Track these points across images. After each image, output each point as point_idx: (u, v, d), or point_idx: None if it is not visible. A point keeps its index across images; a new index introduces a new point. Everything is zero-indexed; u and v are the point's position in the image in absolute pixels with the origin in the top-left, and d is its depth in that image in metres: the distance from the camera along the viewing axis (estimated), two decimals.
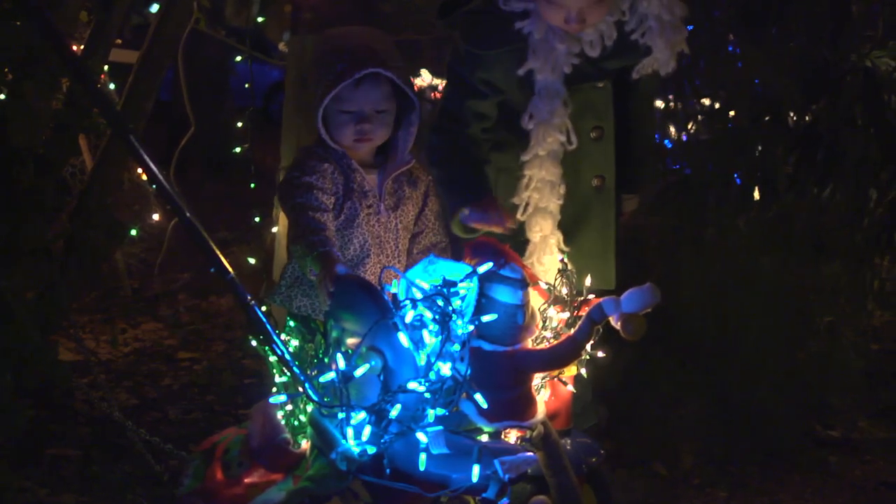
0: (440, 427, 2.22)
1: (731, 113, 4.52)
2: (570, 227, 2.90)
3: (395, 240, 2.76)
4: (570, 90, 2.80)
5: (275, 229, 3.10)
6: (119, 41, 4.48)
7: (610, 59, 2.84)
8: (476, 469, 2.18)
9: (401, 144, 2.80)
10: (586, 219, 2.95)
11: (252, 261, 4.74)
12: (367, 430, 2.20)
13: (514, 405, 2.44)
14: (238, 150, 5.60)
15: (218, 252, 2.49)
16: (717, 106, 4.64)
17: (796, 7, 4.18)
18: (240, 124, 5.61)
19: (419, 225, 2.83)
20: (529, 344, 2.48)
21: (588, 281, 2.65)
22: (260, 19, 8.24)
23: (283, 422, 2.45)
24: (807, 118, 4.43)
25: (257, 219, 5.36)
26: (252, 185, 5.33)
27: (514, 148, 2.85)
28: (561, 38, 2.73)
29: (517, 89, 2.81)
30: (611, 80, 2.92)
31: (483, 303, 2.37)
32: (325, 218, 2.59)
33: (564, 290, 2.60)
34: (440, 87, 8.14)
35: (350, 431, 2.20)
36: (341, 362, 2.20)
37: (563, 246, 2.85)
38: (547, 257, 2.84)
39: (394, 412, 2.19)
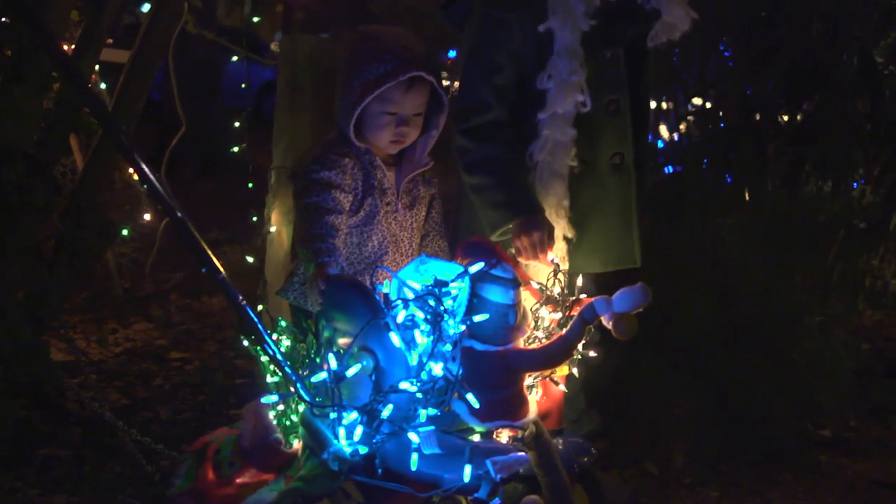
0: (432, 427, 2.22)
1: (721, 112, 4.54)
2: (589, 206, 2.91)
3: (409, 238, 2.77)
4: (586, 57, 2.82)
5: (273, 229, 3.08)
6: (110, 41, 4.47)
7: (622, 23, 2.85)
8: (468, 469, 2.18)
9: (421, 146, 2.80)
10: (606, 198, 2.94)
11: (250, 259, 4.73)
12: (359, 430, 2.20)
13: (505, 405, 2.44)
14: (236, 149, 5.60)
15: (209, 252, 2.49)
16: (707, 105, 4.66)
17: (785, 9, 4.21)
18: (237, 124, 5.61)
19: (426, 227, 2.84)
20: (521, 344, 2.49)
21: (580, 281, 2.65)
22: (256, 19, 8.25)
23: (274, 422, 2.44)
24: (798, 117, 4.45)
25: (255, 218, 5.36)
26: (250, 185, 5.33)
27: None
28: None
29: (535, 56, 2.81)
30: (622, 50, 2.90)
31: (475, 303, 2.37)
32: (338, 221, 2.56)
33: (556, 290, 2.60)
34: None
35: (342, 431, 2.20)
36: (333, 362, 2.20)
37: (568, 228, 2.86)
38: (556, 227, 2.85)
39: (385, 412, 2.19)
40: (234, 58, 5.33)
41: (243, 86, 5.57)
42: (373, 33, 2.70)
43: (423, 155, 2.80)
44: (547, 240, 2.74)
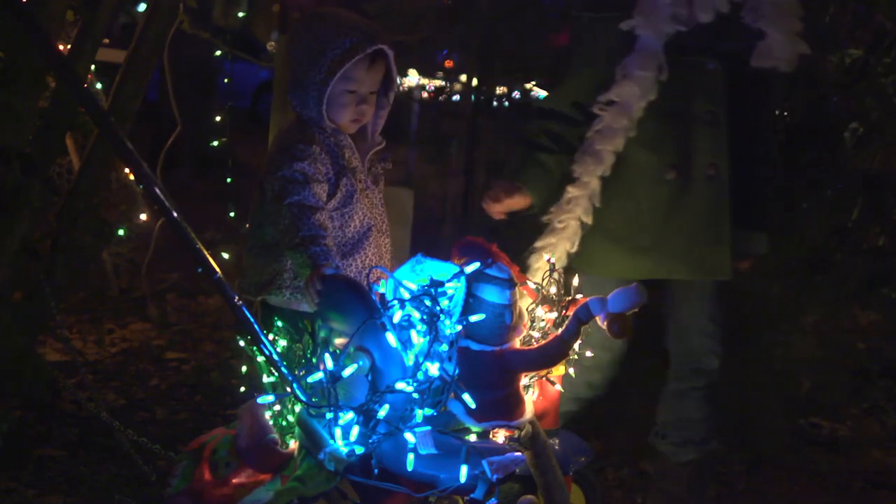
0: (428, 427, 2.22)
1: None
2: (678, 213, 2.93)
3: (381, 215, 2.78)
4: (675, 62, 2.86)
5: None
6: (106, 41, 4.46)
7: (720, 37, 2.88)
8: (464, 469, 2.18)
9: (372, 125, 2.79)
10: (697, 207, 2.95)
11: (226, 255, 4.72)
12: (356, 431, 2.20)
13: (502, 405, 2.44)
14: (216, 143, 5.61)
15: (205, 252, 2.48)
16: None
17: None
18: (218, 119, 5.62)
19: None
20: (517, 344, 2.49)
21: (576, 281, 2.66)
22: (241, 14, 8.25)
23: (271, 422, 2.44)
24: (786, 117, 4.46)
25: (232, 214, 5.37)
26: (229, 180, 5.33)
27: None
28: None
29: (617, 60, 2.88)
30: (723, 64, 2.92)
31: (471, 303, 2.37)
32: (324, 217, 2.55)
33: (552, 290, 2.60)
34: (428, 87, 8.16)
35: (338, 431, 2.20)
36: (329, 362, 2.20)
37: (587, 212, 2.95)
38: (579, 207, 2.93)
39: (382, 412, 2.19)
40: (217, 52, 5.32)
41: (226, 80, 5.56)
42: (330, 13, 2.69)
43: (376, 134, 2.80)
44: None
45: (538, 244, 3.03)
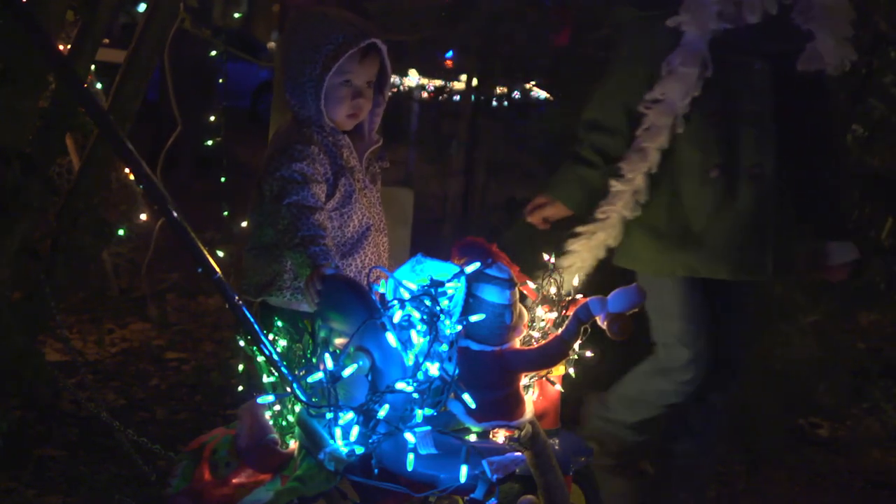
0: (428, 427, 2.22)
1: None
2: (721, 213, 2.92)
3: (379, 214, 2.78)
4: (721, 60, 2.85)
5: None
6: (106, 41, 4.47)
7: (767, 38, 2.87)
8: (464, 469, 2.18)
9: (368, 124, 2.79)
10: (740, 207, 2.93)
11: (221, 254, 4.71)
12: (356, 431, 2.20)
13: (502, 405, 2.44)
14: (210, 142, 5.61)
15: (205, 252, 2.48)
16: None
17: None
18: (212, 118, 5.63)
19: None
20: (517, 344, 2.49)
21: (575, 280, 2.66)
22: (237, 15, 8.25)
23: (271, 422, 2.44)
24: None
25: (227, 213, 5.38)
26: (223, 179, 5.33)
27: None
28: None
29: (662, 58, 2.89)
30: (770, 65, 2.91)
31: (471, 302, 2.37)
32: (323, 217, 2.55)
33: (552, 290, 2.60)
34: (428, 87, 8.16)
35: (338, 431, 2.20)
36: (329, 362, 2.19)
37: (628, 207, 2.98)
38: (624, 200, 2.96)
39: (382, 412, 2.19)
40: (213, 52, 5.33)
41: (220, 80, 5.56)
42: (320, 11, 2.71)
43: (373, 133, 2.81)
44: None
45: (580, 229, 3.05)
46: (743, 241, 2.95)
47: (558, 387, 2.63)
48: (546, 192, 3.09)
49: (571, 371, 2.62)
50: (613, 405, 3.18)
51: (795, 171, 3.02)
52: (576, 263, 3.05)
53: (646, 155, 2.94)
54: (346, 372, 2.19)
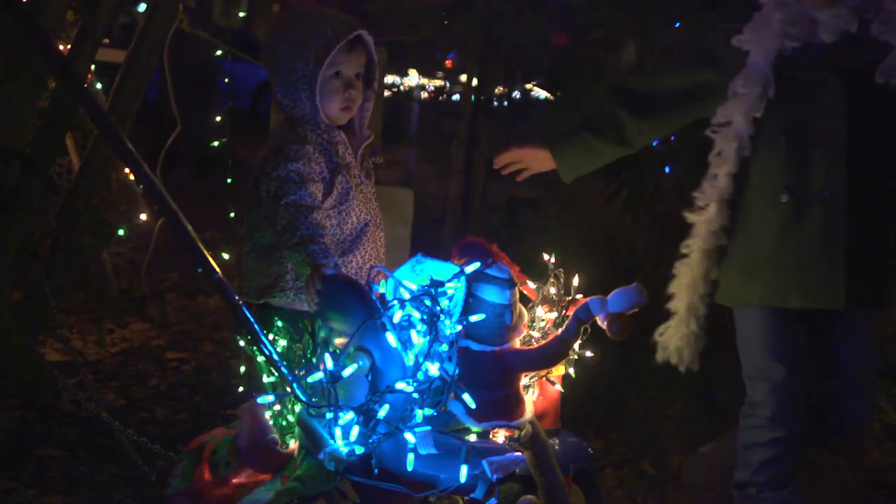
0: (428, 427, 2.22)
1: None
2: (791, 238, 2.82)
3: (375, 210, 2.78)
4: (789, 78, 2.78)
5: None
6: (106, 40, 4.47)
7: (841, 52, 2.77)
8: (464, 469, 2.18)
9: (359, 119, 2.80)
10: (811, 231, 2.81)
11: (226, 256, 4.72)
12: (356, 431, 2.20)
13: (502, 405, 2.44)
14: (216, 143, 5.62)
15: (205, 252, 2.48)
16: None
17: None
18: (218, 119, 5.63)
19: None
20: (517, 344, 2.49)
21: (576, 280, 2.66)
22: (241, 14, 8.26)
23: (271, 422, 2.44)
24: None
25: (233, 214, 5.38)
26: (229, 180, 5.33)
27: None
28: (781, 10, 2.75)
29: (733, 69, 2.84)
30: (842, 79, 2.77)
31: (471, 303, 2.37)
32: (321, 216, 2.55)
33: (552, 290, 2.60)
34: (428, 87, 8.16)
35: (338, 431, 2.20)
36: (329, 362, 2.20)
37: (709, 237, 2.92)
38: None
39: (382, 412, 2.19)
40: (218, 52, 5.33)
41: (226, 80, 5.57)
42: (304, 10, 2.73)
43: (364, 128, 2.82)
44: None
45: (673, 271, 2.99)
46: (814, 266, 2.82)
47: (558, 387, 2.64)
48: (544, 144, 2.99)
49: (571, 371, 2.62)
50: (735, 469, 3.04)
51: (875, 193, 2.85)
52: (681, 306, 2.96)
53: (715, 181, 2.87)
54: (346, 372, 2.19)
